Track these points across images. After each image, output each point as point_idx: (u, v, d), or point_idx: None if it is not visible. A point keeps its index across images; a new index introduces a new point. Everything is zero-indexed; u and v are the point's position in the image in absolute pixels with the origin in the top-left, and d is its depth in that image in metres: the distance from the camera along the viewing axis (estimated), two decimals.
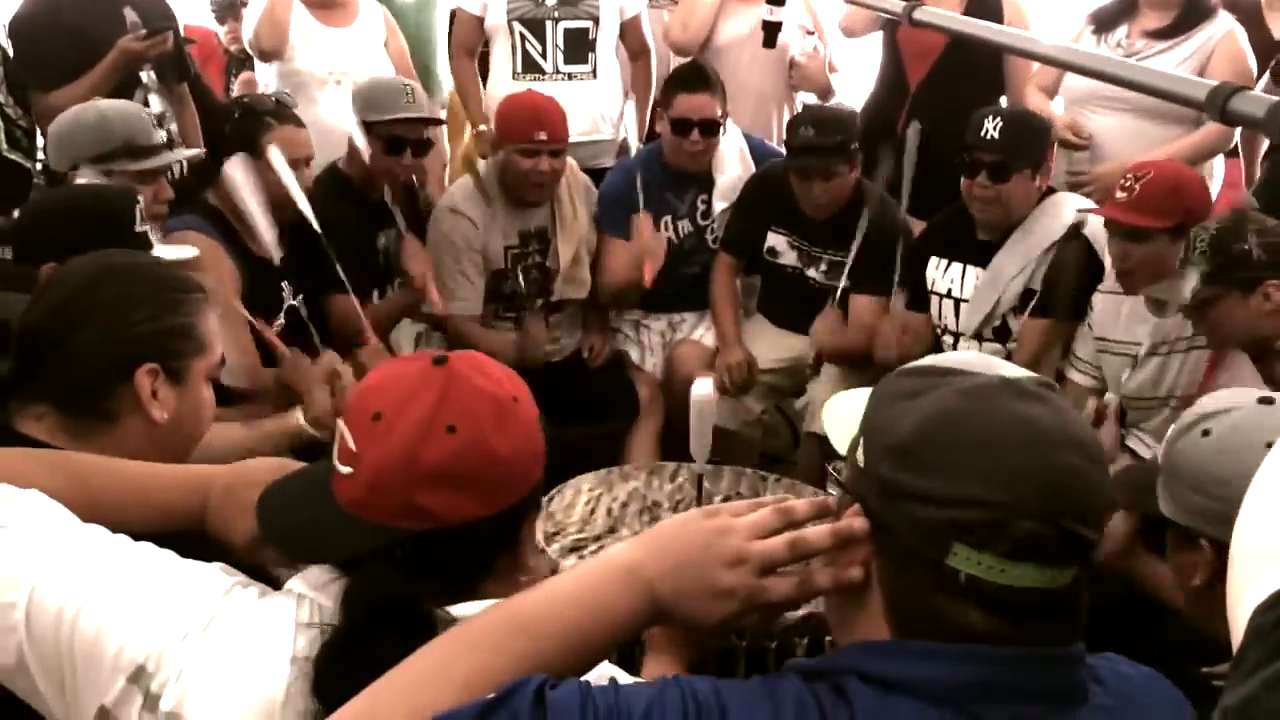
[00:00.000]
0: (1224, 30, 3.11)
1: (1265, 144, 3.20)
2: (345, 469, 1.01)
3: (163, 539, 1.09)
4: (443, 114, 3.76)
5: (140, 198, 2.05)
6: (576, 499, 2.31)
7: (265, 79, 3.42)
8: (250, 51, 3.46)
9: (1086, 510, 0.83)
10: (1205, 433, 1.47)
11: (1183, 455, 1.49)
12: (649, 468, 2.51)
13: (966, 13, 3.29)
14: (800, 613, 1.78)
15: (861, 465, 0.89)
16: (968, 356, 0.98)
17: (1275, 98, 0.96)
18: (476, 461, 0.99)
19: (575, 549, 2.11)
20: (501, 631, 0.87)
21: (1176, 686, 0.95)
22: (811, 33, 3.58)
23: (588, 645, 0.88)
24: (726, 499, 2.36)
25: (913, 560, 0.84)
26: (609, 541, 2.14)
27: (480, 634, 0.87)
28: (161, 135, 2.42)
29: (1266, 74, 3.00)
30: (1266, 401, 1.48)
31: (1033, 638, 0.83)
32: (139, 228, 2.00)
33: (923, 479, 0.83)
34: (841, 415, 1.00)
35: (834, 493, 0.96)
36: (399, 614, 0.96)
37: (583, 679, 0.85)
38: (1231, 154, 3.39)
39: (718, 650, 1.82)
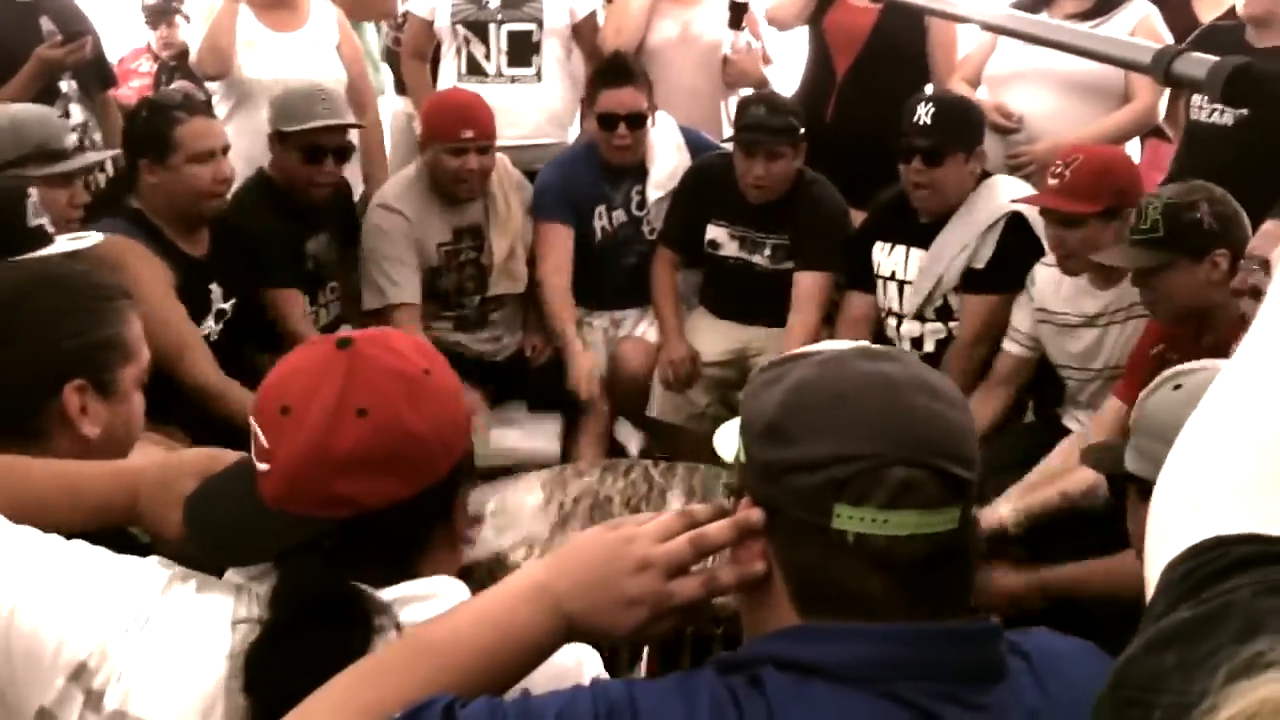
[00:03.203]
0: (1142, 13, 3.20)
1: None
2: (263, 466, 0.99)
3: (95, 537, 1.07)
4: None
5: (33, 192, 1.97)
6: (529, 495, 2.28)
7: (211, 86, 3.35)
8: (195, 71, 3.38)
9: (954, 448, 0.84)
10: (1177, 386, 1.52)
11: (1153, 409, 1.53)
12: (601, 464, 2.49)
13: (884, 12, 3.35)
14: None
15: (743, 460, 0.90)
16: (826, 343, 1.01)
17: (1214, 58, 0.99)
18: (392, 443, 0.96)
19: (527, 544, 2.08)
20: (408, 657, 0.87)
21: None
22: (743, 28, 3.62)
23: (498, 667, 0.88)
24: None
25: (802, 533, 0.85)
26: (560, 538, 2.11)
27: (386, 662, 0.87)
28: (74, 139, 2.37)
29: None
30: None
31: (930, 595, 0.84)
32: (33, 222, 1.92)
33: (793, 449, 0.85)
34: (730, 434, 1.02)
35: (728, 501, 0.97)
36: (328, 606, 0.94)
37: (495, 697, 0.84)
38: (1162, 136, 3.45)
39: (662, 639, 1.79)
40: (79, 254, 1.98)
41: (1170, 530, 0.59)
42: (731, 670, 0.85)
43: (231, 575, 1.02)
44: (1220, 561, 0.55)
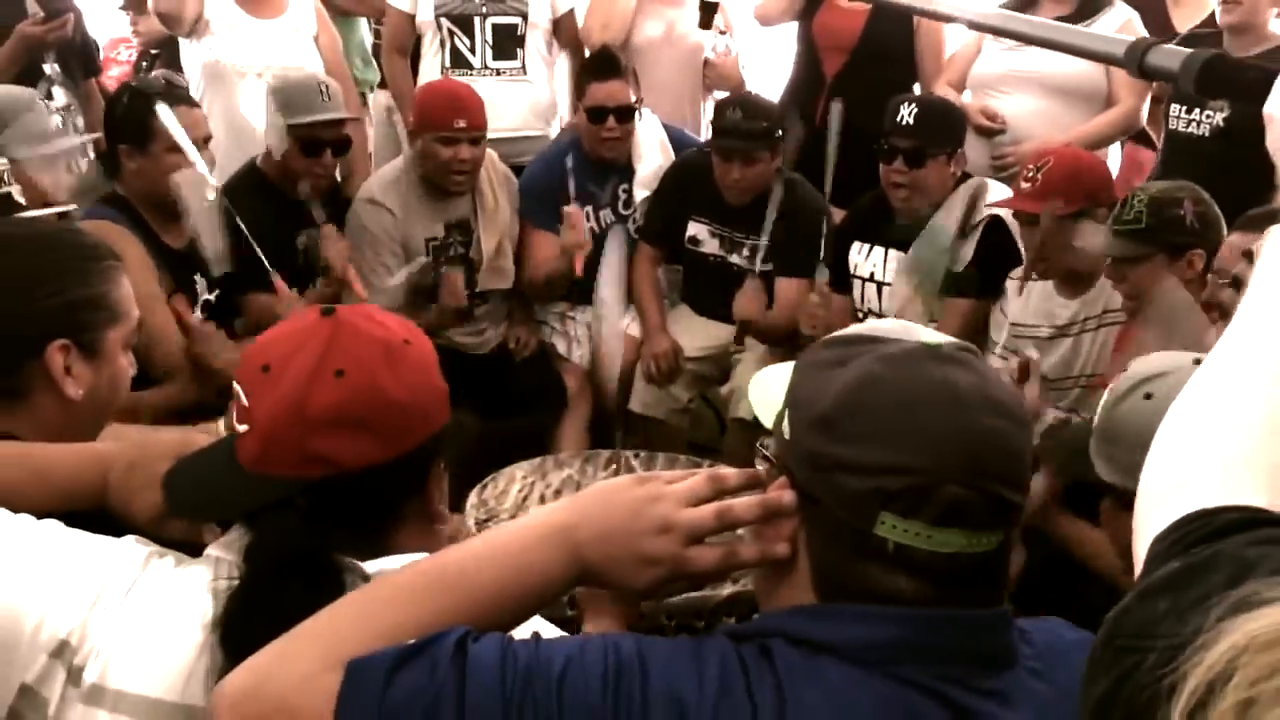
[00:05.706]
0: (1123, 19, 3.24)
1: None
2: (242, 427, 1.02)
3: (66, 519, 1.07)
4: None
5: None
6: (510, 486, 2.29)
7: (189, 70, 3.31)
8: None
9: (1010, 474, 0.84)
10: (1148, 395, 1.50)
11: (1125, 418, 1.52)
12: (583, 455, 2.50)
13: (873, 15, 3.36)
14: (726, 592, 1.78)
15: (787, 438, 0.89)
16: (889, 324, 0.99)
17: (1189, 50, 1.00)
18: (368, 403, 0.99)
19: None
20: (425, 585, 0.87)
21: None
22: (724, 32, 3.65)
23: (512, 603, 0.88)
24: None
25: (841, 531, 0.84)
26: None
27: (404, 587, 0.88)
28: (57, 121, 2.35)
29: None
30: (1200, 364, 1.51)
31: (957, 600, 0.84)
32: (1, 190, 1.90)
33: (847, 448, 0.83)
34: (767, 389, 1.00)
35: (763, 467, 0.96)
36: (302, 563, 0.96)
37: (505, 634, 0.85)
38: (1142, 141, 3.50)
39: (645, 629, 1.82)
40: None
41: (1158, 510, 0.61)
42: (743, 639, 0.86)
43: (210, 550, 1.03)
44: (1207, 527, 0.57)
